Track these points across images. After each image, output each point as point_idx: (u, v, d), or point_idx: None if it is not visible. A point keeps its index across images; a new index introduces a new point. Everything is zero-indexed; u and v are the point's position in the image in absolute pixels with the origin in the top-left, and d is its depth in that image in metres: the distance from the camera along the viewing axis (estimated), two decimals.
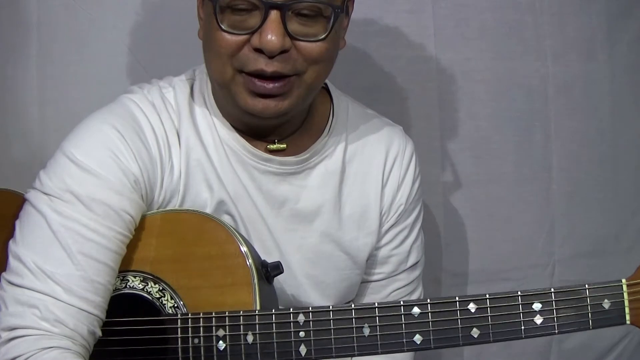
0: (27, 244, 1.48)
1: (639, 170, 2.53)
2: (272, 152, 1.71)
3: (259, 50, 1.54)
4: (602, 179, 2.50)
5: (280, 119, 1.65)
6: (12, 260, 1.47)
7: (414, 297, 1.90)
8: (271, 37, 1.51)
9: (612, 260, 2.52)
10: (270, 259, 1.63)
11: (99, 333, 1.49)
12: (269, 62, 1.54)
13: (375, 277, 1.87)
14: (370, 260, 1.85)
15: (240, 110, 1.62)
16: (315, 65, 1.59)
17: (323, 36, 1.57)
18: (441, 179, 2.40)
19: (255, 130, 1.70)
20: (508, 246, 2.46)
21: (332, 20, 1.57)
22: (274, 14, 1.52)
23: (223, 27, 1.55)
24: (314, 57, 1.57)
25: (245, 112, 1.61)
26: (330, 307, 1.52)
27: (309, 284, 1.75)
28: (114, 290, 1.53)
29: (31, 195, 1.53)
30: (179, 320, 1.52)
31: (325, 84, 1.81)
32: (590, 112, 2.47)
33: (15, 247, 1.48)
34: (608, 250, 2.53)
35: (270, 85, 1.56)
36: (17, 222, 1.52)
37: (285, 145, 1.71)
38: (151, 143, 1.62)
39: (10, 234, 1.52)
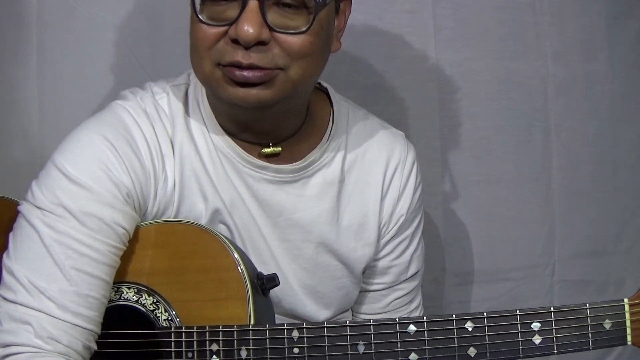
0: (20, 259, 1.47)
1: (639, 170, 2.52)
2: (267, 158, 1.67)
3: (236, 42, 1.48)
4: (602, 179, 2.50)
5: (269, 113, 1.59)
6: (5, 275, 1.47)
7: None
8: (247, 27, 1.45)
9: (612, 260, 2.53)
10: (266, 268, 1.63)
11: (95, 347, 1.49)
12: (245, 53, 1.48)
13: (375, 287, 1.85)
14: (370, 271, 1.83)
15: (225, 105, 1.58)
16: (300, 60, 1.52)
17: (304, 28, 1.50)
18: (441, 179, 2.39)
19: (251, 133, 1.65)
20: (508, 246, 2.46)
21: (315, 12, 1.50)
22: (253, 4, 1.46)
23: (201, 18, 1.50)
24: (295, 50, 1.51)
25: (230, 104, 1.56)
26: (325, 323, 1.51)
27: (306, 293, 1.74)
28: (108, 302, 1.52)
29: (24, 208, 1.52)
30: (172, 333, 1.52)
31: (326, 89, 1.78)
32: (590, 112, 2.47)
33: (9, 261, 1.48)
34: (608, 250, 2.53)
35: (249, 74, 1.49)
36: (11, 235, 1.51)
37: (280, 149, 1.67)
38: (144, 154, 1.59)
39: (4, 244, 1.51)
